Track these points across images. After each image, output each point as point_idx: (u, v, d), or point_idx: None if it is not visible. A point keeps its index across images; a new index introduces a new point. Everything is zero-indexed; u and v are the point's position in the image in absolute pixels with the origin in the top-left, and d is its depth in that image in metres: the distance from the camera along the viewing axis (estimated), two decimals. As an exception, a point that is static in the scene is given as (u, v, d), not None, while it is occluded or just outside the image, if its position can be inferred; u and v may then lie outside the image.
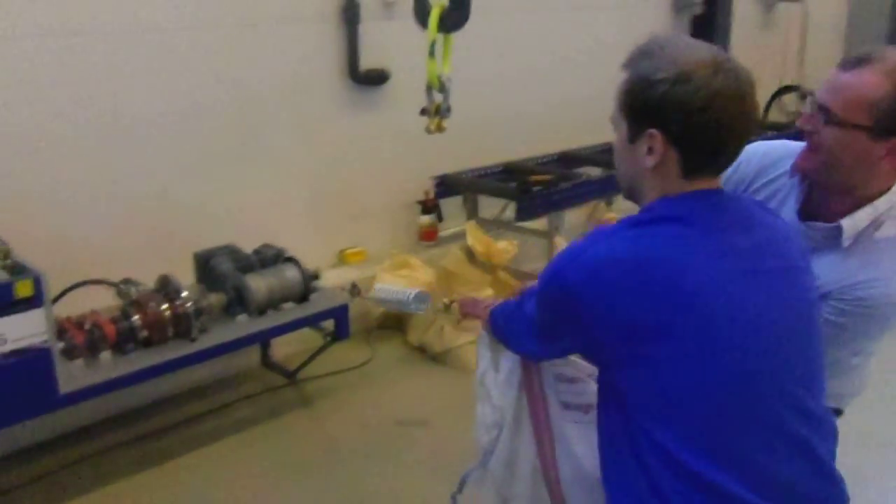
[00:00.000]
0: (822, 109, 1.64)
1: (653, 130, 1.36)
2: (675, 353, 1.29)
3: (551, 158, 4.90)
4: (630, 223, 1.39)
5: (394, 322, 4.25)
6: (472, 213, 4.56)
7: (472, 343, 3.85)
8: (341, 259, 4.43)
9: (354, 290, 3.32)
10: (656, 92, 1.33)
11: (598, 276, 1.33)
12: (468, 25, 3.18)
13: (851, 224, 1.67)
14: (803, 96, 6.65)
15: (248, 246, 3.58)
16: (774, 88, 6.66)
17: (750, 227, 1.41)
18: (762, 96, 6.55)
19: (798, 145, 1.76)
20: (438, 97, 3.09)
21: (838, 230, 1.68)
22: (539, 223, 4.35)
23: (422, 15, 3.06)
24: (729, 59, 1.34)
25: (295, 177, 4.21)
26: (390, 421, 3.54)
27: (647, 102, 1.35)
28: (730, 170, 1.50)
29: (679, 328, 1.29)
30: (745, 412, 1.32)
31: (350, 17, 4.16)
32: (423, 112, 3.08)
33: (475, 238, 3.92)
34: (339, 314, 3.52)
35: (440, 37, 3.08)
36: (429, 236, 4.65)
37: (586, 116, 4.30)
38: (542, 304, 1.48)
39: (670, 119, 1.33)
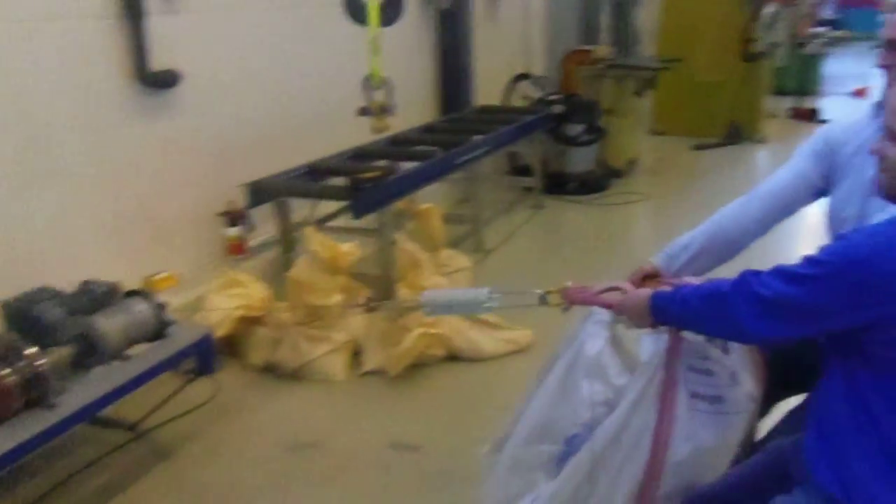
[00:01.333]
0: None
1: None
2: None
3: (350, 154, 4.70)
4: None
5: (222, 347, 3.81)
6: (284, 219, 4.24)
7: (333, 352, 3.61)
8: (148, 286, 3.87)
9: (370, 303, 2.85)
10: None
11: None
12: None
13: None
14: (537, 83, 7.14)
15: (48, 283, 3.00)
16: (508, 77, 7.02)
17: None
18: (501, 84, 6.90)
19: (851, 125, 2.03)
20: (380, 95, 2.81)
21: None
22: (363, 221, 4.14)
23: (355, 11, 2.77)
24: None
25: (86, 196, 3.61)
26: (277, 449, 3.19)
27: None
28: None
29: None
30: None
31: (132, 11, 3.64)
32: (364, 112, 2.79)
33: (319, 244, 3.65)
34: (204, 346, 3.08)
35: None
36: (237, 249, 4.24)
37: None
38: (827, 286, 1.51)
39: None
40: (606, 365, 2.02)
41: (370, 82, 2.83)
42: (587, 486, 1.94)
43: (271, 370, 3.72)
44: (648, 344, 1.99)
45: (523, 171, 6.86)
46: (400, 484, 3.00)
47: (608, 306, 2.03)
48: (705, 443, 1.86)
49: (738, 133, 9.00)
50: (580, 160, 6.94)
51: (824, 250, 1.56)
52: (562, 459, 2.05)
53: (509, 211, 6.30)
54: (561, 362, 2.13)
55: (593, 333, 2.07)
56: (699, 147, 8.74)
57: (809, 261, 1.55)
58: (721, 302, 1.68)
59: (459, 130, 5.46)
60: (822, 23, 14.95)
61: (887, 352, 1.50)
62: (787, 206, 2.18)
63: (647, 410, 1.87)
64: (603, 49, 7.74)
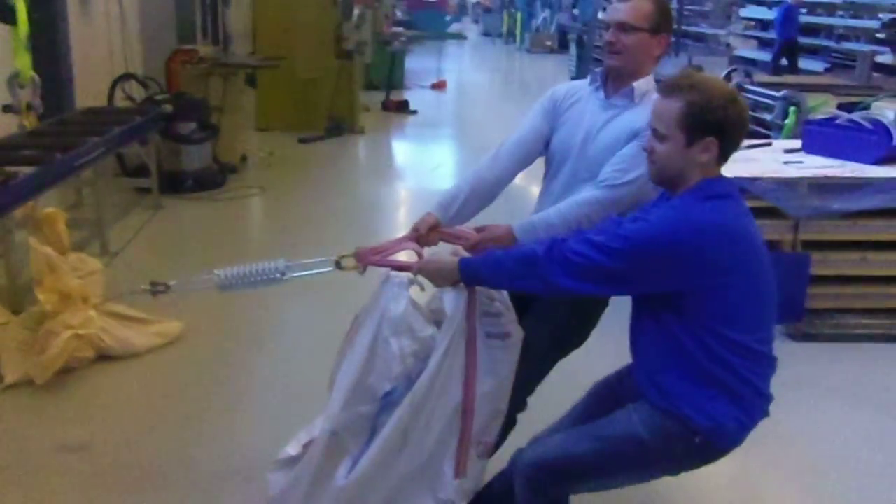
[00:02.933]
0: (621, 25, 2.39)
1: (710, 138, 1.99)
2: (741, 280, 2.00)
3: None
4: (701, 197, 2.01)
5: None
6: None
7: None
8: None
9: (158, 287, 2.55)
10: (716, 114, 1.97)
11: (705, 233, 1.96)
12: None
13: (639, 89, 2.45)
14: (141, 83, 7.07)
15: None
16: (111, 77, 6.84)
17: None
18: (103, 85, 6.72)
19: (574, 83, 2.69)
20: (26, 93, 2.68)
21: (632, 91, 2.45)
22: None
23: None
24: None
25: None
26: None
27: (707, 120, 1.98)
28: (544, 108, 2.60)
29: (745, 265, 2.01)
30: (768, 303, 2.09)
31: None
32: (8, 109, 2.65)
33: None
34: None
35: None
36: None
37: None
38: (635, 254, 1.97)
39: (726, 131, 2.00)
40: (411, 321, 2.29)
41: (17, 81, 2.75)
42: (412, 431, 2.24)
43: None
44: (450, 299, 2.29)
45: (135, 171, 6.77)
46: (75, 483, 2.98)
47: (407, 269, 2.31)
48: (504, 374, 2.31)
49: (338, 126, 9.67)
50: (195, 158, 7.00)
51: (627, 228, 2.03)
52: (379, 414, 2.31)
53: (127, 213, 6.19)
54: (367, 327, 2.34)
55: (395, 295, 2.31)
56: (304, 140, 9.24)
57: (615, 235, 2.00)
58: (533, 264, 2.05)
59: (70, 133, 5.26)
60: (397, 23, 16.43)
61: (687, 304, 2.00)
62: (528, 154, 2.64)
63: (456, 356, 2.23)
64: (207, 48, 7.87)
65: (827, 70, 13.68)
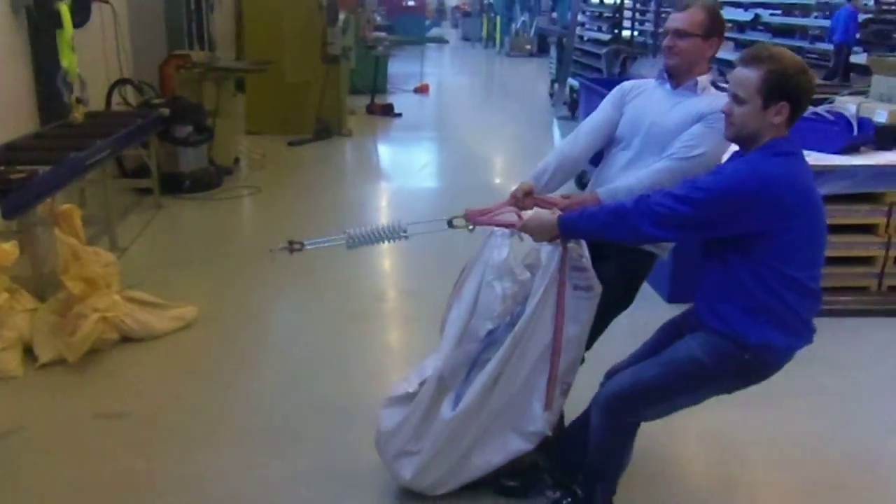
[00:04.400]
0: (678, 32, 2.79)
1: (783, 103, 2.28)
2: (802, 224, 2.31)
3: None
4: (770, 153, 2.31)
5: None
6: None
7: (5, 349, 3.68)
8: None
9: (294, 245, 2.75)
10: (791, 82, 2.27)
11: (772, 182, 2.26)
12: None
13: (701, 83, 2.86)
14: (137, 87, 7.31)
15: None
16: (106, 83, 7.06)
17: None
18: (99, 89, 6.94)
19: (639, 80, 3.11)
20: (76, 90, 2.95)
21: (695, 84, 2.86)
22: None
23: (48, 15, 2.87)
24: None
25: None
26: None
27: (782, 87, 2.27)
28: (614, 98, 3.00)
29: (805, 211, 2.32)
30: (821, 245, 2.41)
31: None
32: (80, 101, 2.91)
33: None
34: None
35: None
36: None
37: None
38: (711, 203, 2.29)
39: (797, 97, 2.30)
40: (512, 265, 2.72)
41: (66, 78, 3.01)
42: (506, 368, 2.66)
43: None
44: (546, 252, 2.68)
45: (133, 173, 7.03)
46: (114, 444, 3.27)
47: (510, 226, 2.70)
48: (585, 322, 2.71)
49: (326, 129, 9.95)
50: (192, 160, 7.27)
51: (704, 181, 2.34)
52: (481, 353, 2.75)
53: (129, 212, 6.46)
54: (473, 275, 2.78)
55: (498, 244, 2.74)
56: (293, 143, 9.52)
57: (694, 187, 2.31)
58: (624, 216, 2.39)
59: (75, 136, 5.50)
60: (378, 28, 16.69)
61: (754, 244, 2.32)
62: (603, 137, 3.02)
63: (548, 302, 2.63)
64: (201, 53, 8.11)
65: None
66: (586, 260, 2.69)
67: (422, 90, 14.63)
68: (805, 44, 15.48)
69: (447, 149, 10.36)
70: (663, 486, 3.12)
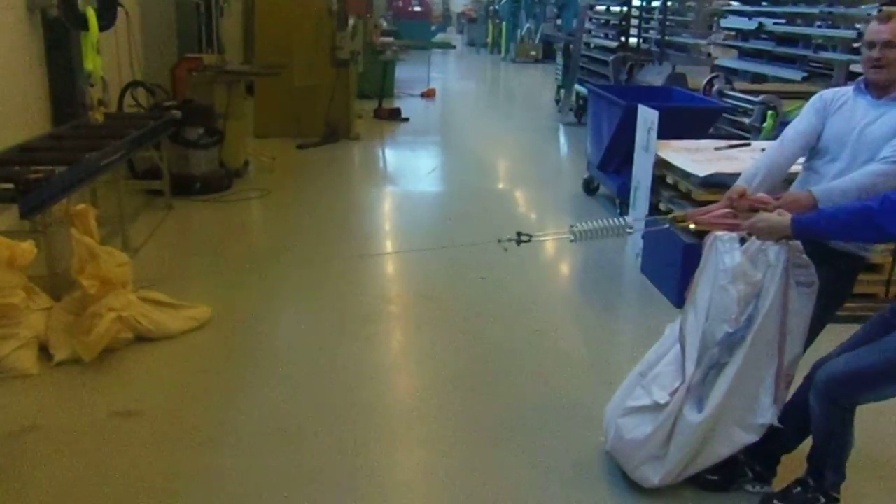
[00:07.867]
0: (889, 43, 2.85)
1: None
2: None
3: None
4: None
5: None
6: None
7: (22, 348, 3.72)
8: None
9: (522, 237, 2.88)
10: None
11: None
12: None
13: None
14: (149, 90, 7.36)
15: None
16: (119, 85, 7.12)
17: None
18: (115, 92, 6.99)
19: (836, 89, 3.17)
20: (97, 91, 2.99)
21: None
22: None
23: (75, 18, 2.92)
24: None
25: None
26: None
27: None
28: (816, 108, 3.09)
29: None
30: None
31: None
32: (101, 103, 2.95)
33: (-4, 244, 3.68)
34: None
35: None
36: None
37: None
38: None
39: None
40: (745, 268, 2.80)
41: (89, 80, 3.06)
42: (751, 358, 2.80)
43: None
44: (773, 251, 2.77)
45: (144, 175, 7.07)
46: (130, 443, 3.30)
47: (735, 228, 2.83)
48: (806, 316, 2.84)
49: (334, 132, 10.00)
50: (203, 162, 7.32)
51: None
52: (720, 355, 2.84)
53: (140, 213, 6.50)
54: (704, 282, 2.89)
55: (727, 249, 2.84)
56: (302, 146, 9.57)
57: None
58: (870, 216, 2.47)
59: (89, 136, 5.56)
60: (385, 33, 16.75)
61: None
62: (806, 144, 3.11)
63: (776, 300, 2.77)
64: (212, 56, 8.16)
65: (805, 79, 14.05)
66: (806, 257, 2.80)
67: (428, 95, 14.69)
68: (809, 52, 15.45)
69: (454, 154, 10.40)
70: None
